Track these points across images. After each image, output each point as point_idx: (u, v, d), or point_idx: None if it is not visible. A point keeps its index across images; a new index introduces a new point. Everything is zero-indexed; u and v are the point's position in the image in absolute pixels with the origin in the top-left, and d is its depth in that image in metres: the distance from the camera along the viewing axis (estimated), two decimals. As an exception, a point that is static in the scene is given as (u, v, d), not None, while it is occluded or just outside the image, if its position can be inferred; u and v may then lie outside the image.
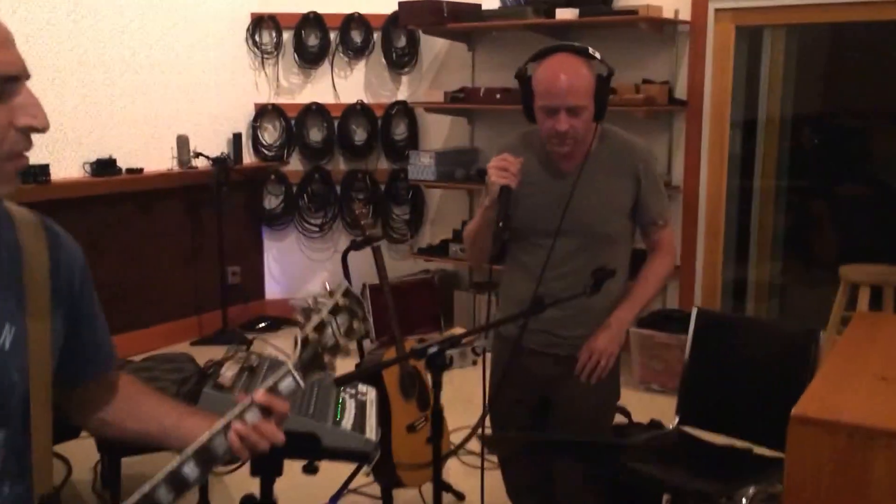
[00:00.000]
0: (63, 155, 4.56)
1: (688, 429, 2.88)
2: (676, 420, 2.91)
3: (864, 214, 6.40)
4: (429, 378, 3.20)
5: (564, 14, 4.57)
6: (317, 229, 5.60)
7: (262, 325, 5.51)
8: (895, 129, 6.10)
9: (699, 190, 4.74)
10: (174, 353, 3.43)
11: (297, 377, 1.22)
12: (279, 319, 5.58)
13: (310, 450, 2.01)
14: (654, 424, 3.43)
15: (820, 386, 2.13)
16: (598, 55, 2.21)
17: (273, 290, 5.79)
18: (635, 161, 2.32)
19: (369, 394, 2.30)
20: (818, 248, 6.35)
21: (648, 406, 4.04)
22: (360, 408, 2.18)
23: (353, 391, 2.26)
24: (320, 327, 1.23)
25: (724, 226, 4.83)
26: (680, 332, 4.25)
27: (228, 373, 2.11)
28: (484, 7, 4.88)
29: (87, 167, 4.66)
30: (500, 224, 2.13)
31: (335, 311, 1.23)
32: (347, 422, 2.08)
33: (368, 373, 1.89)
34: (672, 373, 4.13)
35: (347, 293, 1.24)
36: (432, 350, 1.79)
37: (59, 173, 4.53)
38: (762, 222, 5.15)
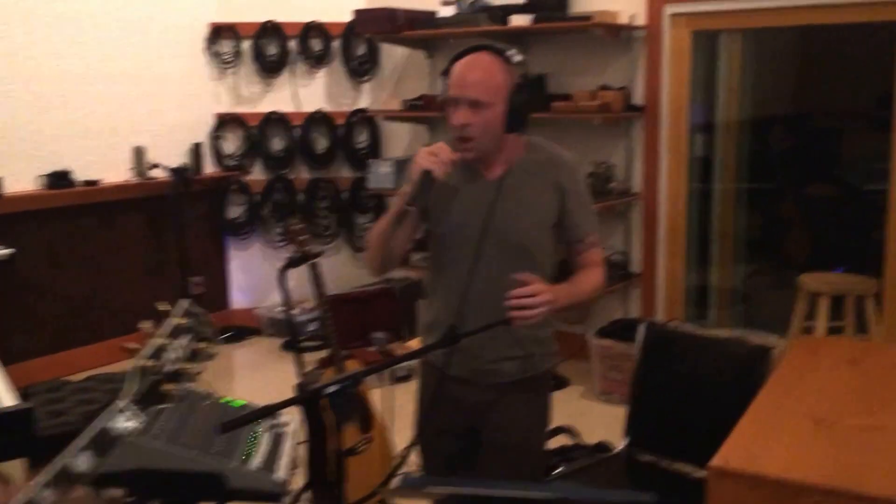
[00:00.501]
0: (16, 168, 4.53)
1: (637, 451, 2.79)
2: (625, 442, 2.84)
3: (833, 217, 6.40)
4: (372, 397, 3.19)
5: (518, 20, 4.55)
6: (280, 238, 5.58)
7: (227, 335, 5.49)
8: (862, 131, 6.10)
9: (658, 196, 4.72)
10: (115, 374, 3.40)
11: (130, 415, 1.17)
12: (244, 329, 5.56)
13: (213, 492, 1.86)
14: (601, 447, 3.38)
15: (745, 431, 1.94)
16: (517, 58, 2.13)
17: (238, 299, 5.76)
18: (560, 173, 2.24)
19: (290, 425, 2.20)
20: (785, 251, 6.35)
21: (606, 418, 4.03)
22: (275, 442, 2.07)
23: (271, 422, 2.13)
24: (158, 353, 1.18)
25: (685, 232, 4.80)
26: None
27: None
28: (439, 14, 4.85)
29: (42, 180, 4.62)
30: (411, 204, 2.05)
31: (175, 333, 1.18)
32: (257, 460, 1.95)
33: (259, 415, 1.74)
34: (628, 381, 4.11)
35: (189, 313, 1.19)
36: (330, 390, 1.66)
37: (12, 186, 4.50)
38: (723, 227, 5.14)
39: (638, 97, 4.68)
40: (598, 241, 2.33)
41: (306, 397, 1.83)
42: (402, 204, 2.12)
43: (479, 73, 2.10)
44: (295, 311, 5.43)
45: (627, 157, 4.76)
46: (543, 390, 2.35)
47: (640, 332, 2.90)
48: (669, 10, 4.56)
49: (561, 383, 4.58)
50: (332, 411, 1.63)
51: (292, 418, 2.25)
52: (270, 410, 1.62)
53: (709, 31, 4.74)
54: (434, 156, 2.05)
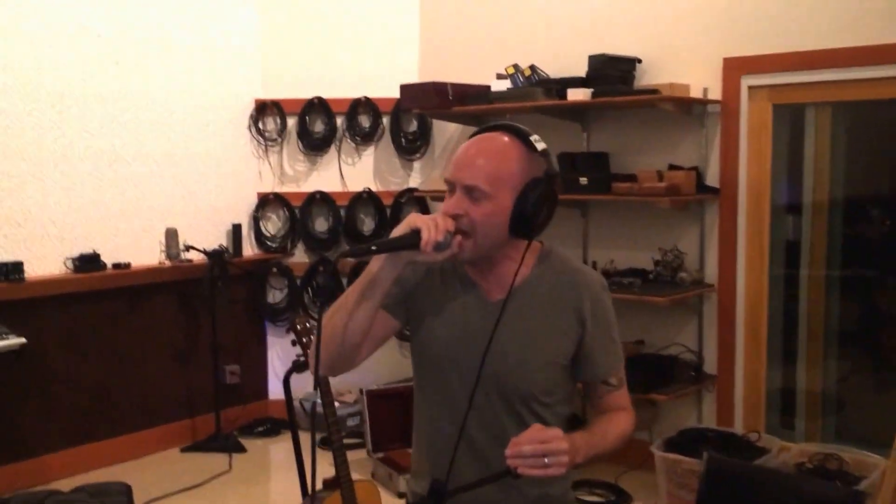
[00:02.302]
0: (43, 251, 4.30)
1: None
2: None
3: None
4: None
5: (577, 95, 4.15)
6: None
7: (262, 428, 5.10)
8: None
9: (735, 287, 4.19)
10: (109, 484, 3.03)
11: None
12: (280, 422, 5.16)
13: None
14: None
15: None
16: (540, 145, 1.71)
17: (277, 390, 5.39)
18: (582, 297, 1.79)
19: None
20: (885, 349, 5.65)
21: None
22: None
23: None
24: None
25: (766, 327, 4.24)
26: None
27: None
28: (493, 89, 4.50)
29: (69, 263, 4.38)
30: (373, 247, 1.62)
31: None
32: None
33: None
34: None
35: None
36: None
37: (37, 270, 4.26)
38: (812, 321, 4.54)
39: (712, 178, 4.20)
40: (625, 381, 1.85)
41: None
42: (375, 269, 1.67)
43: (487, 156, 1.69)
44: (336, 405, 5.03)
45: (700, 244, 4.26)
46: None
47: (703, 465, 2.40)
48: (748, 81, 4.11)
49: (623, 498, 4.03)
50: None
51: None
52: None
53: (793, 105, 4.25)
54: (432, 220, 1.63)
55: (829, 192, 4.50)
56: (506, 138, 1.72)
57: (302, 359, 2.70)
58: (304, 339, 2.63)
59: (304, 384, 5.08)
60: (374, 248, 1.61)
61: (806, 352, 4.56)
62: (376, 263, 1.67)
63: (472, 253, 1.71)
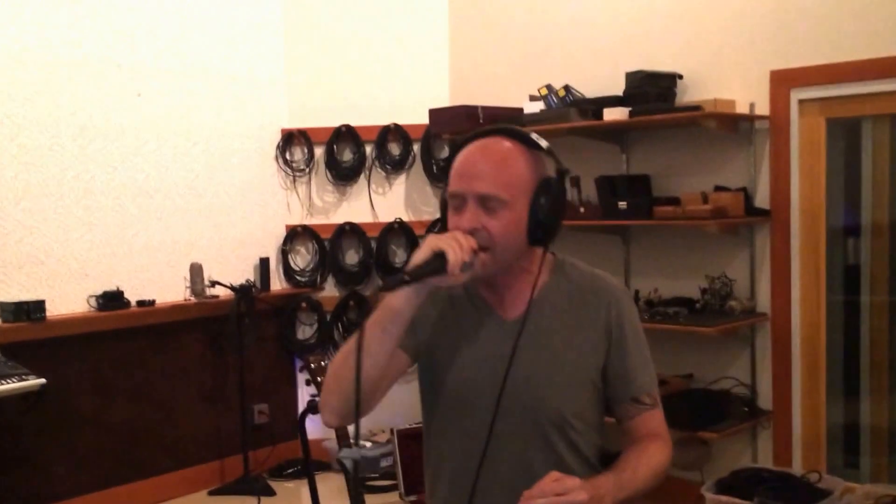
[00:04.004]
0: (65, 289, 4.19)
1: None
2: None
3: None
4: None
5: (613, 114, 3.94)
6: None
7: (291, 470, 4.91)
8: None
9: (791, 316, 3.90)
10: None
11: None
12: (313, 463, 4.96)
13: None
14: None
15: None
16: (544, 144, 1.58)
17: (308, 429, 5.18)
18: (608, 308, 1.64)
19: None
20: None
21: None
22: None
23: None
24: None
25: (825, 359, 3.94)
26: (772, 500, 3.38)
27: None
28: (526, 111, 4.30)
29: (93, 301, 4.26)
30: (406, 278, 1.45)
31: None
32: None
33: None
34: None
35: None
36: None
37: (59, 309, 4.16)
38: (876, 350, 4.22)
39: (762, 199, 3.94)
40: (659, 401, 1.65)
41: None
42: (397, 303, 1.51)
43: (495, 162, 1.55)
44: (366, 445, 4.84)
45: (750, 271, 3.99)
46: None
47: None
48: (798, 95, 3.85)
49: (675, 547, 3.74)
50: None
51: None
52: None
53: (848, 119, 3.97)
54: (454, 240, 1.49)
55: (890, 212, 4.20)
56: (508, 142, 1.59)
57: (317, 398, 2.50)
58: (319, 378, 2.44)
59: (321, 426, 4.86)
60: (406, 278, 1.45)
61: (869, 384, 4.23)
62: (399, 296, 1.51)
63: (492, 269, 1.58)
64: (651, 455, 1.61)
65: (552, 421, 1.59)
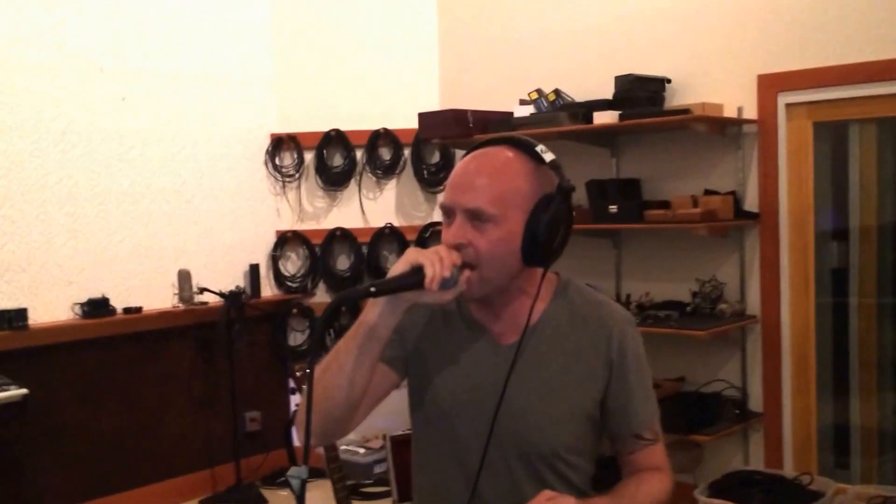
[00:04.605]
0: (49, 297, 4.14)
1: None
2: None
3: None
4: None
5: (603, 118, 3.94)
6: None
7: (284, 478, 4.87)
8: None
9: (781, 319, 3.91)
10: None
11: None
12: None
13: None
14: None
15: None
16: (548, 156, 1.47)
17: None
18: (610, 337, 1.55)
19: None
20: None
21: None
22: None
23: None
24: None
25: (815, 360, 3.96)
26: (763, 502, 3.39)
27: None
28: (516, 115, 4.30)
29: (77, 308, 4.22)
30: (372, 289, 1.38)
31: None
32: None
33: None
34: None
35: None
36: None
37: (42, 317, 4.11)
38: (864, 351, 4.23)
39: (751, 202, 3.95)
40: (661, 435, 1.58)
41: None
42: (371, 318, 1.44)
43: (489, 174, 1.46)
44: (360, 451, 4.81)
45: (740, 274, 4.00)
46: None
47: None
48: (785, 98, 3.86)
49: (667, 550, 3.73)
50: None
51: None
52: None
53: (835, 122, 3.99)
54: (435, 254, 1.40)
55: (878, 215, 4.22)
56: (509, 153, 1.49)
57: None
58: (304, 386, 2.41)
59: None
60: (373, 289, 1.38)
61: (859, 385, 4.25)
62: (373, 311, 1.43)
63: (479, 289, 1.48)
64: (651, 485, 1.55)
65: (543, 456, 1.52)
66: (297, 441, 4.97)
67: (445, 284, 1.39)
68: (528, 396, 1.51)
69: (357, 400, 1.48)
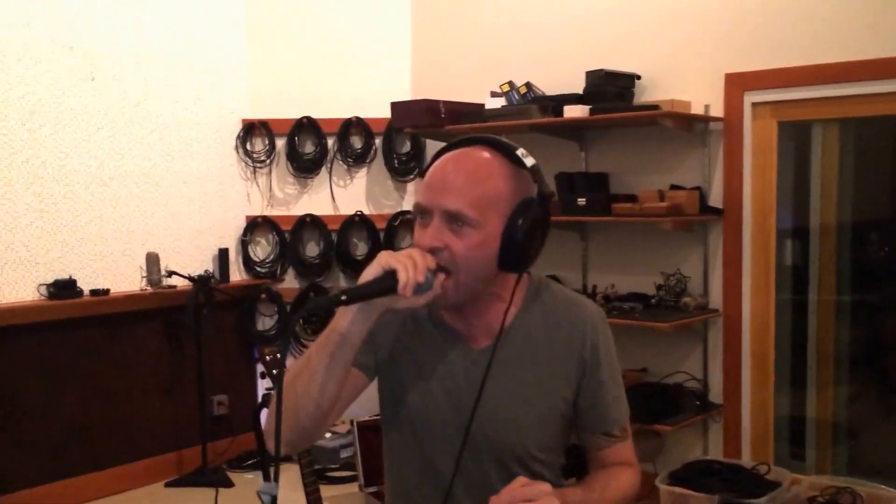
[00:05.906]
0: (13, 277, 4.10)
1: None
2: None
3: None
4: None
5: (573, 111, 3.99)
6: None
7: (251, 461, 4.88)
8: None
9: (742, 313, 4.00)
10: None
11: None
12: (268, 456, 4.95)
13: None
14: None
15: None
16: (529, 160, 1.44)
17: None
18: (584, 338, 1.55)
19: None
20: (893, 376, 5.44)
21: None
22: None
23: None
24: None
25: (773, 354, 4.05)
26: (722, 491, 3.46)
27: None
28: (487, 106, 4.34)
29: (43, 290, 4.19)
30: (343, 297, 1.32)
31: None
32: None
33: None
34: (709, 545, 3.32)
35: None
36: None
37: (7, 297, 4.07)
38: (821, 346, 4.34)
39: (715, 198, 4.03)
40: (630, 432, 1.60)
41: None
42: (342, 325, 1.38)
43: (469, 175, 1.43)
44: (326, 435, 4.83)
45: (704, 268, 4.07)
46: None
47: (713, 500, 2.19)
48: (751, 98, 3.94)
49: (627, 537, 3.81)
50: None
51: None
52: None
53: (799, 122, 4.08)
54: (409, 258, 1.36)
55: (838, 214, 4.33)
56: (487, 154, 1.45)
57: (273, 392, 2.50)
58: (274, 371, 2.43)
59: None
60: (343, 297, 1.32)
61: (815, 379, 4.36)
62: (345, 317, 1.38)
63: (454, 294, 1.44)
64: (620, 480, 1.56)
65: (518, 457, 1.52)
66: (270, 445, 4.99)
67: (419, 289, 1.35)
68: (501, 400, 1.50)
69: (328, 408, 1.44)
